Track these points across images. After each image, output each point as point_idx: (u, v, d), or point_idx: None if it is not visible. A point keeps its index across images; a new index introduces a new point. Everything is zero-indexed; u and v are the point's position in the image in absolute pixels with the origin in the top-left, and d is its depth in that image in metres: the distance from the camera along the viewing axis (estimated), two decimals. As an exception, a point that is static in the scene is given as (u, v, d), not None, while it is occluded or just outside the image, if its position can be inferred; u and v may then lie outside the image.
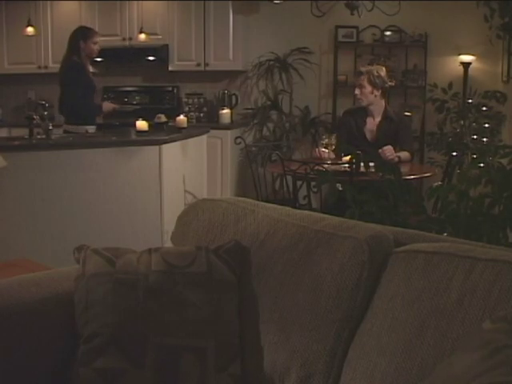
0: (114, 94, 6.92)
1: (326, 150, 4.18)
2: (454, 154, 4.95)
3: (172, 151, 4.51)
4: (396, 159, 4.39)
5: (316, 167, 3.46)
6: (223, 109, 6.44)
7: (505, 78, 5.63)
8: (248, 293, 1.87)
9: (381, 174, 2.62)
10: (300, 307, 1.76)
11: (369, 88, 4.57)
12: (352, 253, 1.73)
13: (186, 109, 6.67)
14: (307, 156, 6.28)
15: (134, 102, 6.93)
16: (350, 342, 1.68)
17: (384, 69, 4.80)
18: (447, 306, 1.52)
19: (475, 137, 5.53)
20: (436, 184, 2.81)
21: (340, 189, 2.28)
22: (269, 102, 6.58)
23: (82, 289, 1.79)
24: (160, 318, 1.76)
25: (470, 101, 5.70)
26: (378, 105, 4.72)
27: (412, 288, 1.60)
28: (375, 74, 4.58)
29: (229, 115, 6.44)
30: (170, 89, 6.84)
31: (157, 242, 4.41)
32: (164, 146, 4.33)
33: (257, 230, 1.97)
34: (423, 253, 1.67)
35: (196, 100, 6.76)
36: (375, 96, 4.64)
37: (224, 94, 6.64)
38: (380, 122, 4.76)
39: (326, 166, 3.66)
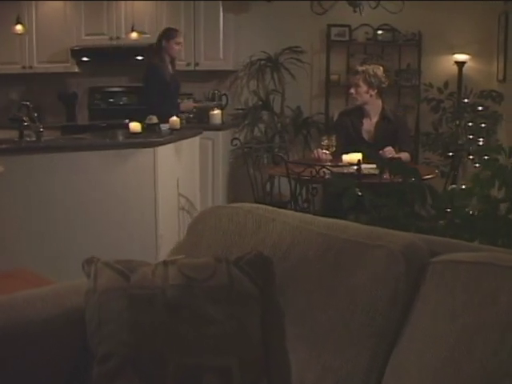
0: (100, 94, 6.76)
1: (327, 152, 4.06)
2: (450, 154, 4.86)
3: (166, 153, 4.37)
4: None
5: (322, 169, 3.34)
6: (214, 109, 6.31)
7: (500, 78, 5.56)
8: (272, 306, 1.75)
9: (392, 176, 2.53)
10: (332, 322, 1.64)
11: (364, 87, 4.48)
12: (386, 264, 1.61)
13: (176, 109, 6.52)
14: (299, 157, 6.18)
15: (121, 103, 6.78)
16: (387, 359, 1.57)
17: (381, 68, 4.71)
18: (497, 320, 1.40)
19: (471, 137, 5.45)
20: (452, 187, 2.71)
21: (359, 194, 2.15)
22: (260, 102, 6.46)
23: (93, 305, 1.66)
24: (179, 335, 1.63)
25: (466, 100, 5.62)
26: (374, 105, 4.63)
27: (455, 301, 1.49)
28: (371, 73, 4.49)
29: (220, 116, 6.30)
30: (159, 89, 6.68)
31: (151, 246, 4.28)
32: (159, 149, 4.19)
33: (279, 240, 1.85)
34: (463, 263, 1.56)
35: (186, 100, 6.60)
36: (370, 96, 4.54)
37: (214, 94, 6.51)
38: (377, 122, 4.66)
39: (334, 168, 3.53)
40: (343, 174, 3.47)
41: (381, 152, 4.27)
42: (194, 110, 6.20)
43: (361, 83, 4.45)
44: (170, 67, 5.27)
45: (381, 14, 6.12)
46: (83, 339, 1.66)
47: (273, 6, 6.31)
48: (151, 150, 4.14)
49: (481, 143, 5.34)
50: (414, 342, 1.52)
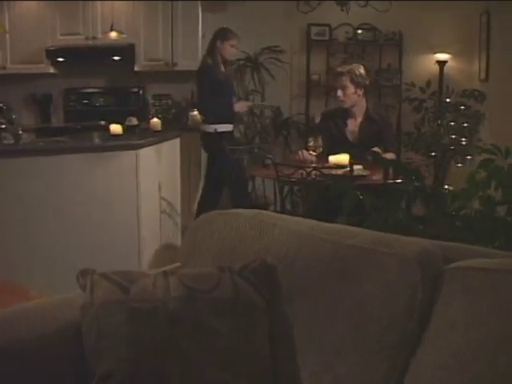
0: (76, 95, 6.60)
1: (314, 153, 3.98)
2: (433, 154, 4.82)
3: (148, 156, 4.26)
4: (384, 161, 4.23)
5: (313, 171, 3.27)
6: (193, 110, 6.19)
7: (482, 77, 5.55)
8: (279, 318, 1.66)
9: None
10: (344, 334, 1.56)
11: (352, 88, 4.39)
12: (401, 272, 1.54)
13: (153, 111, 6.39)
14: (280, 158, 6.10)
15: (98, 104, 6.63)
16: (405, 372, 1.49)
17: (362, 67, 4.64)
18: (522, 331, 1.34)
19: (454, 136, 5.43)
20: (446, 188, 2.64)
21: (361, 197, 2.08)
22: (240, 103, 6.36)
23: (91, 319, 1.56)
24: (182, 349, 1.54)
25: (448, 100, 5.60)
26: (359, 105, 4.55)
27: (477, 311, 1.42)
28: (357, 72, 4.41)
29: (198, 117, 6.17)
30: (136, 90, 6.54)
31: (134, 249, 4.17)
32: (141, 151, 4.08)
33: (283, 247, 1.77)
34: (482, 270, 1.49)
35: (164, 101, 6.49)
36: (358, 96, 4.47)
37: (193, 94, 6.39)
38: (362, 122, 4.59)
39: (325, 170, 3.45)
40: (334, 175, 3.39)
41: (367, 153, 4.21)
42: (247, 109, 5.91)
43: (348, 84, 4.36)
44: (222, 67, 5.15)
45: (361, 13, 6.08)
46: (80, 356, 1.56)
47: (252, 5, 6.23)
48: (133, 152, 4.02)
49: (464, 143, 5.31)
50: (433, 355, 1.45)
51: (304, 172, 3.36)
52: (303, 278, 1.69)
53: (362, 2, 5.05)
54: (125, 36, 6.02)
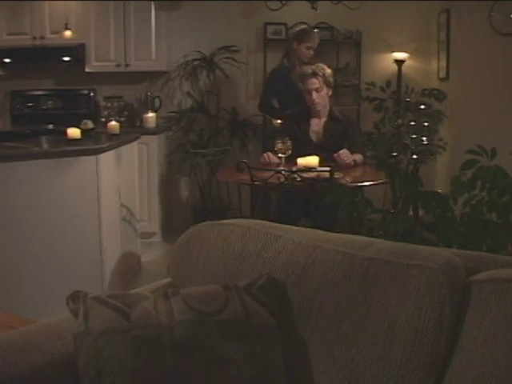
0: (22, 98, 6.27)
1: (283, 155, 3.84)
2: (394, 154, 4.78)
3: (108, 161, 4.05)
4: (353, 163, 4.15)
5: (292, 175, 3.13)
6: (148, 112, 5.99)
7: (442, 76, 5.54)
8: (293, 339, 1.53)
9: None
10: (368, 354, 1.43)
11: (325, 89, 4.30)
12: (427, 285, 1.43)
13: (106, 113, 6.16)
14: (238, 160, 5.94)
15: (45, 107, 6.32)
16: (438, 394, 1.38)
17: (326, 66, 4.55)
18: None
19: (415, 136, 5.39)
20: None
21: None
22: (195, 104, 6.19)
23: (88, 351, 1.39)
24: (194, 381, 1.38)
25: (408, 99, 5.56)
26: (326, 105, 4.46)
27: (513, 326, 1.31)
28: (328, 72, 4.32)
29: (154, 119, 5.99)
30: (86, 92, 6.28)
31: (96, 261, 3.95)
32: (101, 156, 3.86)
33: (289, 260, 1.63)
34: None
35: (116, 103, 6.25)
36: (328, 96, 4.39)
37: (147, 96, 6.18)
38: (326, 122, 4.49)
39: (303, 173, 3.33)
40: (313, 179, 3.28)
41: (336, 155, 4.12)
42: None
43: (323, 85, 4.26)
44: (298, 69, 4.87)
45: (317, 12, 5.99)
46: (76, 392, 1.39)
47: (207, 4, 6.07)
48: (93, 157, 3.80)
49: (425, 142, 5.28)
50: (469, 372, 1.34)
51: (282, 176, 3.22)
52: (316, 294, 1.56)
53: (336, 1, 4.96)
54: (76, 36, 5.77)
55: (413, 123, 5.42)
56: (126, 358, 1.34)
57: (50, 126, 6.01)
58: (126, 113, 6.26)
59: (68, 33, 5.19)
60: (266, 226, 1.77)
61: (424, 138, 5.36)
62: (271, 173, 3.24)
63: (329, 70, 4.36)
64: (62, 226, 3.72)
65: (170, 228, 6.08)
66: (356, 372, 1.43)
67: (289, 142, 3.88)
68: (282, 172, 3.23)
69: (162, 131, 6.05)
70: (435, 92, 5.33)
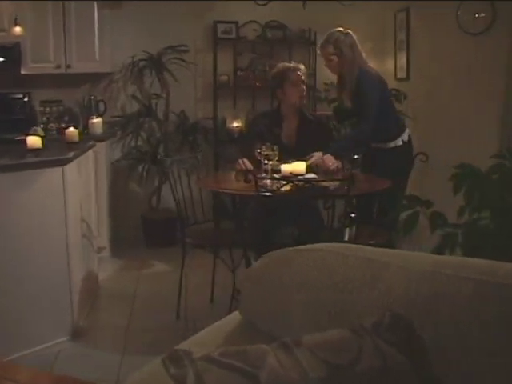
0: None
1: (270, 162, 3.57)
2: (356, 156, 4.62)
3: (72, 172, 3.66)
4: (336, 169, 3.95)
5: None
6: (93, 118, 5.56)
7: (401, 76, 5.44)
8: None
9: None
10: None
11: (305, 87, 4.14)
12: None
13: (44, 119, 5.67)
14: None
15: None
16: None
17: None
18: None
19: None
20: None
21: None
22: (143, 108, 5.82)
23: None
24: None
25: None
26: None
27: None
28: (304, 69, 4.15)
29: (100, 125, 5.56)
30: (21, 96, 5.75)
31: (64, 281, 3.56)
32: (67, 167, 3.47)
33: (407, 292, 1.38)
34: None
35: (54, 108, 5.77)
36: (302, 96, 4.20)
37: (90, 100, 5.75)
38: (298, 125, 4.29)
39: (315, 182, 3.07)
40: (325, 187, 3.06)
41: (319, 161, 3.91)
42: None
43: (305, 81, 4.10)
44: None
45: (269, 10, 5.77)
46: None
47: (154, 1, 5.71)
48: (59, 169, 3.41)
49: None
50: None
51: (294, 185, 2.96)
52: (448, 330, 1.32)
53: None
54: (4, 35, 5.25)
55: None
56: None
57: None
58: (65, 118, 5.78)
59: (18, 29, 4.69)
60: (361, 250, 1.51)
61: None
62: (278, 182, 2.97)
63: (304, 68, 4.19)
64: (27, 241, 3.32)
65: (119, 242, 5.68)
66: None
67: (275, 147, 3.61)
68: (294, 181, 2.96)
69: (108, 137, 5.64)
70: (394, 92, 5.21)
